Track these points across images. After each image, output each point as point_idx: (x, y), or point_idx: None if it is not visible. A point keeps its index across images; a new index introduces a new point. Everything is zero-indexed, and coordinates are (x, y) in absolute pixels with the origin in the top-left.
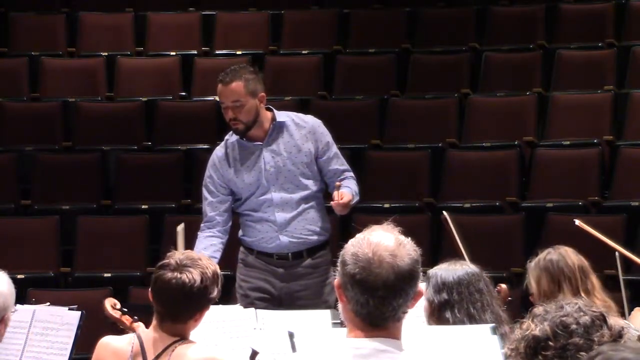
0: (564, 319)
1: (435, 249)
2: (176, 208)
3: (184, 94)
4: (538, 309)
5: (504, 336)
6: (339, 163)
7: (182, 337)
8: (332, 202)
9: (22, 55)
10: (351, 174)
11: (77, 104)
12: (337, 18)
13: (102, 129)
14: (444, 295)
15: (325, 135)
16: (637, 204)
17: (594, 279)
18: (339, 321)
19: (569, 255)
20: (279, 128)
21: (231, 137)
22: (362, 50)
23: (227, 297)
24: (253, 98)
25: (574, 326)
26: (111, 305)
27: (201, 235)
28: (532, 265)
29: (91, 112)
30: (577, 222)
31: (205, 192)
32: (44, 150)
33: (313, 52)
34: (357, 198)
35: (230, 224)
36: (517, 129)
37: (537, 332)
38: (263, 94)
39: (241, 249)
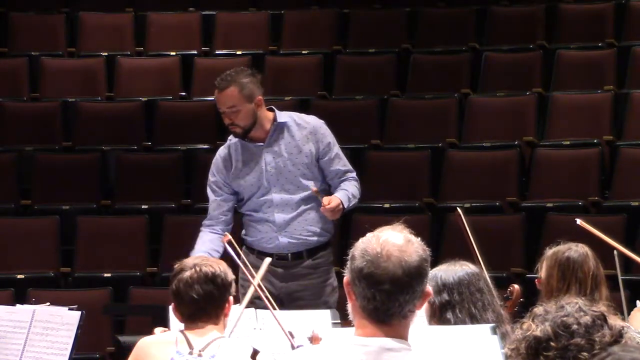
0: (564, 319)
1: (436, 249)
2: (176, 208)
3: (184, 94)
4: (538, 309)
5: (505, 335)
6: (341, 164)
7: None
8: (321, 208)
9: (22, 55)
10: (353, 175)
11: (77, 104)
12: (337, 18)
13: (102, 129)
14: (445, 296)
15: (327, 136)
16: (637, 204)
17: (604, 290)
18: (339, 321)
19: (588, 260)
20: (280, 129)
21: (233, 138)
22: (362, 50)
23: None
24: (249, 102)
25: (575, 326)
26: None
27: (202, 233)
28: (550, 253)
29: (91, 112)
30: (579, 221)
31: (209, 192)
32: (44, 150)
33: (313, 52)
34: (354, 201)
35: (232, 224)
36: (517, 129)
37: (538, 332)
38: (260, 97)
39: (243, 248)
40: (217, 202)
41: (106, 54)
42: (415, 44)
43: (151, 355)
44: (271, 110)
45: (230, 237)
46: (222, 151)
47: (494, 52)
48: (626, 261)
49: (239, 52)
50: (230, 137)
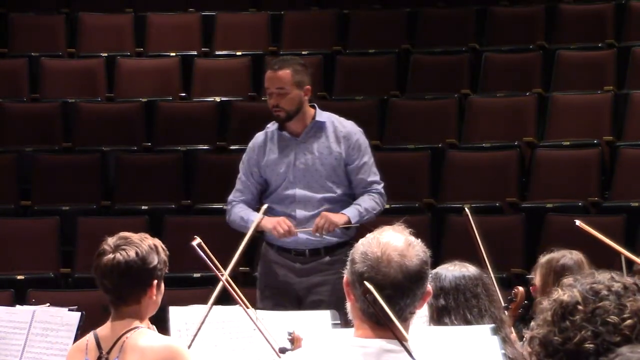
0: (594, 285)
1: (436, 250)
2: (176, 209)
3: (184, 94)
4: (567, 280)
5: (505, 339)
6: (367, 174)
7: (139, 319)
8: (311, 229)
9: (22, 55)
10: (379, 188)
11: (77, 105)
12: (337, 18)
13: (102, 129)
14: (442, 301)
15: (360, 144)
16: (637, 204)
17: None
18: (338, 322)
19: (583, 266)
20: (317, 127)
21: (272, 126)
22: (362, 50)
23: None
24: (298, 88)
25: (604, 292)
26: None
27: (237, 205)
28: (543, 260)
29: (91, 113)
30: (578, 222)
31: (240, 171)
32: (44, 151)
33: (313, 52)
34: (369, 215)
35: (256, 205)
36: (517, 129)
37: (565, 297)
38: (309, 87)
39: (263, 244)
40: (245, 183)
41: (106, 54)
42: (415, 44)
43: None
44: (313, 107)
45: (200, 240)
46: (259, 136)
47: (494, 53)
48: (627, 262)
49: (238, 53)
50: (269, 125)
